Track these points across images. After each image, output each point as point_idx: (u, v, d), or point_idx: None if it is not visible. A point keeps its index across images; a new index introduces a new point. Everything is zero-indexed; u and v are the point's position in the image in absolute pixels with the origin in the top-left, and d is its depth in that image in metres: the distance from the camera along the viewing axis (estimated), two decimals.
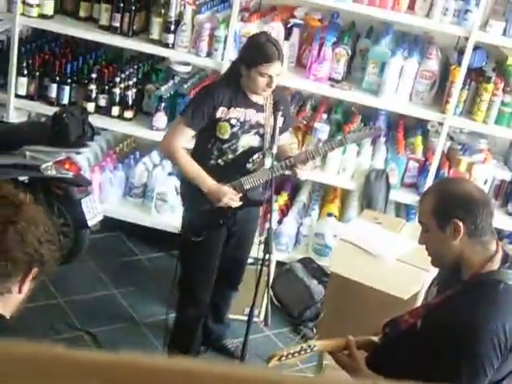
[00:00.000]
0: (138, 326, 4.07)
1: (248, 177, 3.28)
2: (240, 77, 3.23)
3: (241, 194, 3.27)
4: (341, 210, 4.72)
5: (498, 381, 2.10)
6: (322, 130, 4.42)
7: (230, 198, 3.24)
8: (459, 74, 4.12)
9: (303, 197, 4.86)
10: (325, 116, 4.59)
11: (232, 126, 3.27)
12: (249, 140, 3.31)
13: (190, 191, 3.41)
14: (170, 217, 4.70)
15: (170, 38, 4.42)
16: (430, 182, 4.32)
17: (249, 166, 3.32)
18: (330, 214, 4.61)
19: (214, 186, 3.23)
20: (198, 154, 3.37)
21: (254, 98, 3.29)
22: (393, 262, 2.99)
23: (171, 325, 3.77)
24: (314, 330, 4.25)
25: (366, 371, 2.23)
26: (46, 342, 0.69)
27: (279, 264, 4.31)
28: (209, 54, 4.37)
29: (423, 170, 4.44)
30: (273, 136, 3.17)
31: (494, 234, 2.14)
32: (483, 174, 4.38)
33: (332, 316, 3.07)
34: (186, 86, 4.76)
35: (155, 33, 4.46)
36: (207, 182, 3.24)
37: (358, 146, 4.47)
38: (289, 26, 4.42)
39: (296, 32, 4.43)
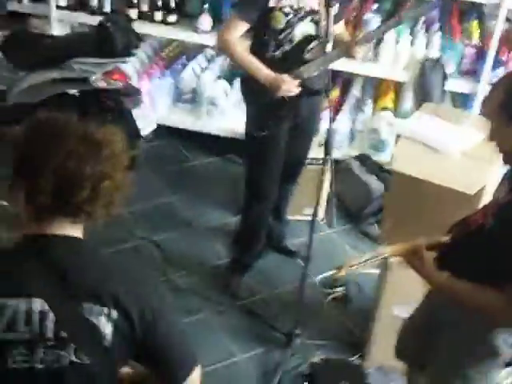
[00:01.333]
0: (199, 231, 4.10)
1: (307, 65, 3.20)
2: None
3: (299, 82, 3.20)
4: (395, 104, 4.60)
5: None
6: (373, 20, 4.25)
7: (289, 86, 3.17)
8: None
9: (355, 92, 4.75)
10: (375, 6, 4.40)
11: (286, 15, 3.17)
12: (305, 28, 3.21)
13: (249, 87, 3.36)
14: (221, 121, 4.66)
15: None
16: (488, 68, 4.16)
17: (307, 55, 3.23)
18: (384, 108, 4.51)
19: (271, 75, 3.17)
20: (255, 48, 3.29)
21: None
22: (457, 156, 2.91)
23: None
24: (376, 226, 4.25)
25: (436, 273, 2.21)
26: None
27: (335, 162, 4.25)
28: None
29: (481, 56, 4.26)
30: (329, 22, 3.07)
31: None
32: None
33: (396, 215, 3.02)
34: None
35: None
36: (264, 71, 3.18)
37: (411, 36, 4.31)
38: None
39: None
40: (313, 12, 3.20)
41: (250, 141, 3.48)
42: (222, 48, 3.40)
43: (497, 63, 4.18)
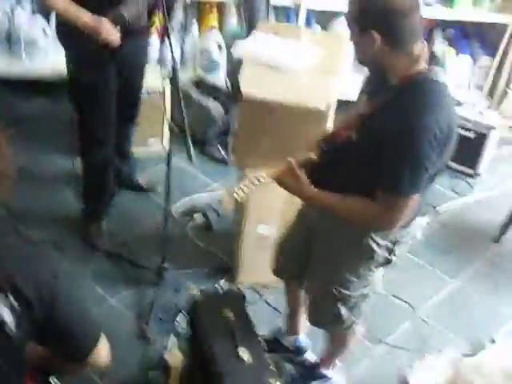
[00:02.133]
0: (44, 181, 3.92)
1: (128, 4, 3.07)
2: None
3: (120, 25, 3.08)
4: (221, 22, 4.58)
5: (431, 176, 2.20)
6: None
7: (109, 32, 3.03)
8: None
9: (178, 14, 4.65)
10: None
11: None
12: None
13: (67, 32, 3.17)
14: (43, 62, 4.41)
15: None
16: None
17: None
18: (211, 28, 4.47)
19: (90, 19, 3.01)
20: None
21: None
22: (302, 73, 2.95)
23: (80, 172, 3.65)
24: (220, 149, 4.27)
25: (312, 189, 2.28)
26: None
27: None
28: None
29: None
30: None
31: (420, 37, 2.13)
32: None
33: (248, 139, 3.04)
34: None
35: None
36: (83, 16, 3.01)
37: None
38: None
39: None
40: None
41: (77, 86, 3.31)
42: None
43: None
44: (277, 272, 2.83)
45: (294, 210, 2.67)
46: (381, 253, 2.39)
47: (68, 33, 3.16)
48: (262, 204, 3.16)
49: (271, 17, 4.45)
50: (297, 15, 4.43)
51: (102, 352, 1.75)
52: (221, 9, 4.63)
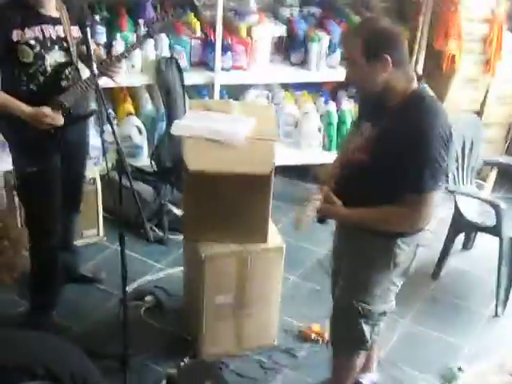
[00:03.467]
0: None
1: (66, 93, 3.14)
2: None
3: (62, 113, 3.14)
4: (136, 107, 4.67)
5: (445, 171, 2.51)
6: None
7: (52, 118, 3.09)
8: None
9: (93, 105, 4.71)
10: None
11: (32, 48, 3.09)
12: (55, 57, 3.16)
13: (8, 124, 3.22)
14: None
15: None
16: (218, 56, 4.40)
17: (64, 83, 3.19)
18: (128, 114, 4.55)
19: (29, 110, 3.07)
20: (7, 85, 3.17)
21: (46, 12, 3.11)
22: (243, 141, 3.08)
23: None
24: (156, 229, 4.31)
25: (345, 209, 2.56)
26: None
27: (103, 177, 4.21)
28: None
29: (207, 46, 4.49)
30: (88, 44, 3.07)
31: (410, 61, 2.47)
32: (264, 34, 4.54)
33: (198, 213, 3.11)
34: None
35: None
36: (21, 108, 3.06)
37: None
38: None
39: None
40: (60, 39, 3.16)
41: (22, 178, 3.34)
42: None
43: (224, 49, 4.43)
44: None
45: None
46: (405, 259, 2.64)
47: (10, 125, 3.20)
48: (218, 273, 3.22)
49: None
50: (208, 91, 4.60)
51: None
52: (134, 95, 4.73)
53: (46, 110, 3.09)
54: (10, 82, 3.17)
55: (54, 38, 3.15)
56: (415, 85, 2.46)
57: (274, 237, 3.27)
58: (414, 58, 4.74)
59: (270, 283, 3.35)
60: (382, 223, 2.53)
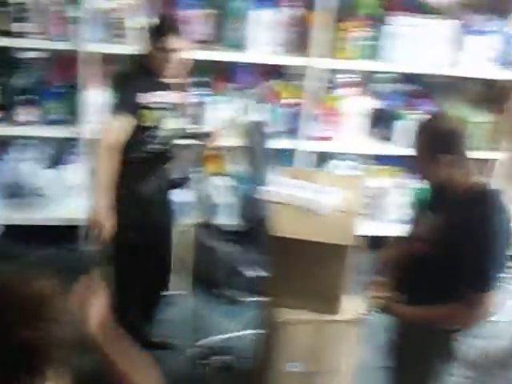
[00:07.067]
0: None
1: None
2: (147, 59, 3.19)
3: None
4: (222, 167, 4.78)
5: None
6: None
7: (100, 225, 3.10)
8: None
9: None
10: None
11: (153, 111, 3.20)
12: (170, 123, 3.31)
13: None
14: (53, 210, 4.54)
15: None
16: (305, 125, 4.48)
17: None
18: (214, 174, 4.67)
19: (98, 207, 3.09)
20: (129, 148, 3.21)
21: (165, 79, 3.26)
22: (328, 212, 3.13)
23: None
24: (231, 289, 4.35)
25: (404, 308, 2.63)
26: None
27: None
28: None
29: (294, 114, 4.59)
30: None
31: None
32: (353, 107, 4.62)
33: (282, 279, 3.16)
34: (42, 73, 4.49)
35: None
36: (98, 197, 3.09)
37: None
38: None
39: None
40: (177, 106, 3.33)
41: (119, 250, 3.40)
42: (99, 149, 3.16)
43: (311, 118, 4.53)
44: None
45: None
46: (464, 351, 2.64)
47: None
48: (290, 341, 3.23)
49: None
50: (291, 158, 4.68)
51: None
52: (220, 156, 4.86)
53: (104, 217, 3.10)
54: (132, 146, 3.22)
55: (172, 104, 3.30)
56: (475, 178, 2.51)
57: (351, 309, 3.27)
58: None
59: (342, 356, 3.33)
60: (443, 322, 2.56)
